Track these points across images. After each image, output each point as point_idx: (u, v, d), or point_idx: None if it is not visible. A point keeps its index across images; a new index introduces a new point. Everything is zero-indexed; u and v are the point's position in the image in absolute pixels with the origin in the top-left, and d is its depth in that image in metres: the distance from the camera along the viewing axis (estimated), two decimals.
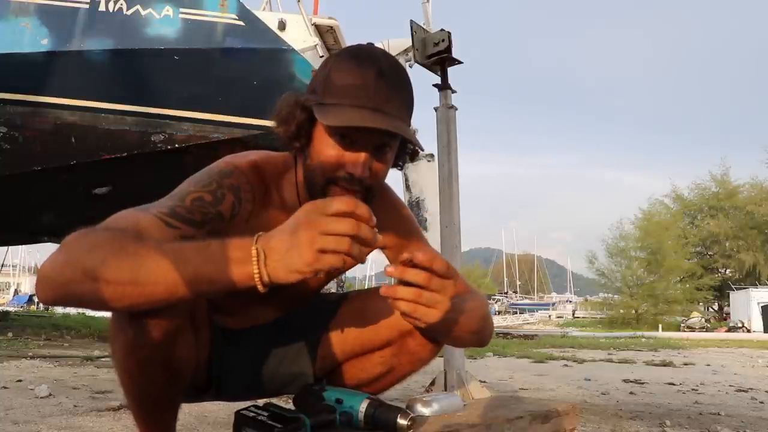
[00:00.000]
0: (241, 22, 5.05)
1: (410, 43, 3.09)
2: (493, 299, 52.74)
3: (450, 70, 3.05)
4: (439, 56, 2.98)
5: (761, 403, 3.35)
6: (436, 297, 0.87)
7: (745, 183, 28.96)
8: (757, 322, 20.20)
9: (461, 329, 1.05)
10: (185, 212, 0.93)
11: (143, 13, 5.00)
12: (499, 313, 40.63)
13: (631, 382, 4.28)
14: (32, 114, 5.03)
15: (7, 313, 11.00)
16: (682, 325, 21.78)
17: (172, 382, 1.00)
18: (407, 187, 4.61)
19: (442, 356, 2.78)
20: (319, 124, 0.98)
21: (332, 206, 0.79)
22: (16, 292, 39.32)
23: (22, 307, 25.97)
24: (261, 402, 1.00)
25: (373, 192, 1.02)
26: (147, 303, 0.82)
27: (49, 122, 5.03)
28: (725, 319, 24.27)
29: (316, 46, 5.72)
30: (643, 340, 12.23)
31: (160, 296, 0.80)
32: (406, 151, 1.08)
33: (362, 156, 0.97)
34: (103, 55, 4.99)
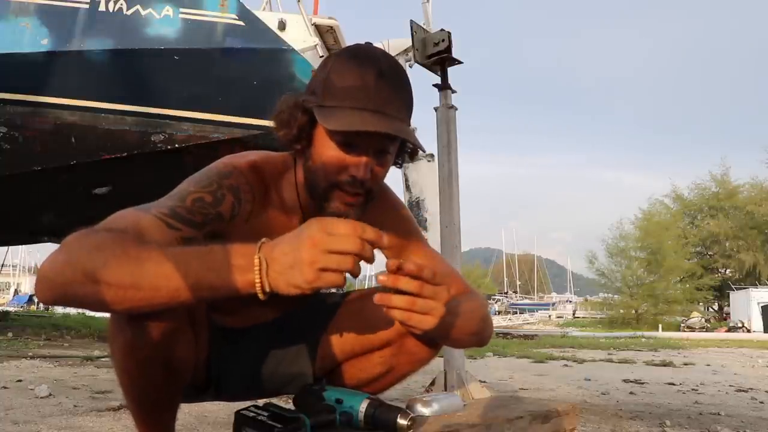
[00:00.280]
0: (241, 22, 5.05)
1: (410, 43, 3.09)
2: (493, 299, 52.73)
3: (450, 70, 3.05)
4: (439, 56, 2.98)
5: (761, 403, 3.35)
6: (430, 304, 0.87)
7: (745, 183, 29.02)
8: (757, 322, 20.20)
9: (460, 331, 1.04)
10: (186, 213, 0.93)
11: (143, 13, 5.01)
12: (499, 313, 40.62)
13: (631, 382, 4.28)
14: (32, 114, 5.03)
15: (7, 313, 11.00)
16: (682, 325, 21.77)
17: (171, 382, 1.00)
18: (407, 187, 4.61)
19: (442, 356, 2.78)
20: (320, 126, 0.97)
21: (338, 228, 0.79)
22: (16, 292, 39.32)
23: (22, 307, 25.97)
24: (261, 402, 1.00)
25: (372, 194, 1.02)
26: (147, 307, 0.82)
27: (49, 122, 5.03)
28: (725, 319, 24.27)
29: (316, 46, 5.72)
30: (643, 340, 12.23)
31: (161, 300, 0.80)
32: (406, 150, 1.08)
33: (364, 159, 0.97)
34: (103, 55, 4.99)
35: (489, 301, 46.46)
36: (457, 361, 2.75)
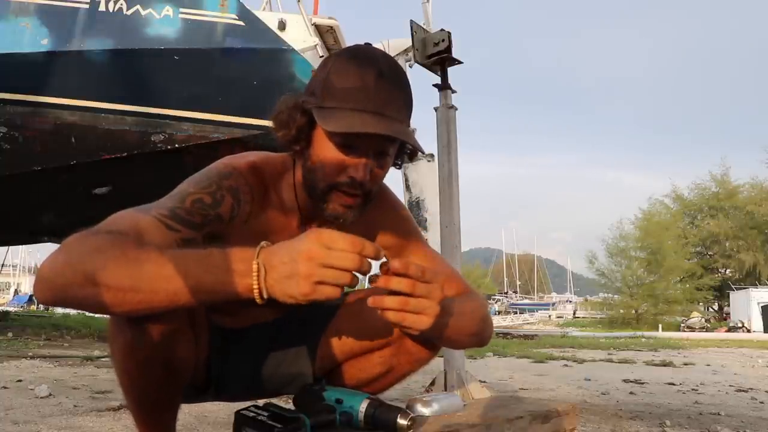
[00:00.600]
0: (241, 22, 5.06)
1: (410, 43, 3.09)
2: (493, 299, 52.72)
3: (450, 70, 3.05)
4: (439, 56, 2.98)
5: (761, 403, 3.35)
6: (423, 303, 0.87)
7: (745, 183, 28.99)
8: (757, 322, 20.19)
9: (459, 332, 1.04)
10: (185, 214, 0.93)
11: (143, 13, 5.01)
12: (499, 313, 40.61)
13: (631, 382, 4.28)
14: (32, 114, 5.03)
15: (7, 313, 11.00)
16: (682, 325, 21.76)
17: (171, 382, 1.00)
18: (407, 187, 4.61)
19: (442, 356, 2.78)
20: (319, 127, 0.97)
21: (338, 243, 0.79)
22: (16, 292, 39.31)
23: (22, 307, 25.95)
24: (261, 402, 1.00)
25: (371, 195, 1.02)
26: (147, 309, 0.82)
27: (49, 122, 5.03)
28: (725, 319, 24.26)
29: (316, 46, 5.72)
30: (643, 340, 12.22)
31: (160, 303, 0.80)
32: (405, 152, 1.08)
33: (363, 160, 0.97)
34: (103, 55, 5.00)
35: (489, 301, 46.47)
36: (457, 361, 2.75)
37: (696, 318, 22.51)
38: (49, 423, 2.02)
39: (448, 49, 2.95)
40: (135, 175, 5.25)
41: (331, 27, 6.37)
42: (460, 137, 3.00)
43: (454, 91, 3.03)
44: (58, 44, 4.99)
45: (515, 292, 70.71)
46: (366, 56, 0.99)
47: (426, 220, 4.40)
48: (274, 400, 1.05)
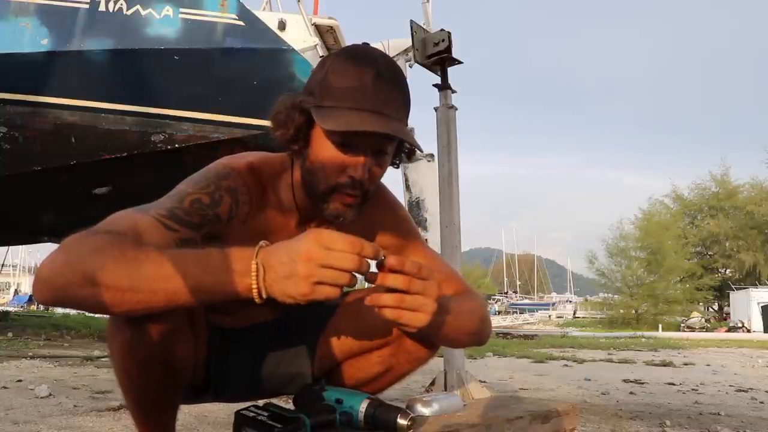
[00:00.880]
0: (241, 22, 5.06)
1: (410, 43, 3.09)
2: (493, 299, 52.74)
3: (450, 70, 3.05)
4: (439, 56, 2.98)
5: (761, 403, 3.35)
6: (420, 300, 0.87)
7: (745, 183, 28.98)
8: (757, 322, 20.18)
9: (457, 331, 1.04)
10: (184, 214, 0.93)
11: (143, 13, 5.01)
12: (499, 313, 40.63)
13: (631, 382, 4.28)
14: (32, 114, 5.03)
15: (7, 313, 11.00)
16: (682, 325, 21.75)
17: (170, 382, 1.00)
18: (407, 187, 4.61)
19: (442, 356, 2.77)
20: (318, 127, 0.97)
21: (338, 243, 0.80)
22: (16, 292, 39.30)
23: (22, 307, 25.94)
24: (261, 402, 1.00)
25: (369, 194, 1.02)
26: (145, 309, 0.82)
27: (49, 122, 5.03)
28: (725, 319, 24.25)
29: (316, 46, 5.73)
30: (643, 340, 12.22)
31: (159, 303, 0.81)
32: (404, 151, 1.08)
33: (362, 159, 0.97)
34: (103, 55, 4.99)
35: (489, 301, 46.47)
36: (457, 361, 2.75)
37: (696, 318, 22.50)
38: (49, 423, 2.02)
39: (448, 49, 2.95)
40: (135, 175, 5.25)
41: (331, 27, 6.38)
42: (460, 137, 3.00)
43: (454, 91, 3.03)
44: (58, 44, 4.99)
45: (515, 292, 70.71)
46: (364, 56, 0.99)
47: (426, 220, 4.40)
48: (274, 400, 1.05)
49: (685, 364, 6.17)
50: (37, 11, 5.03)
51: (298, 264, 0.79)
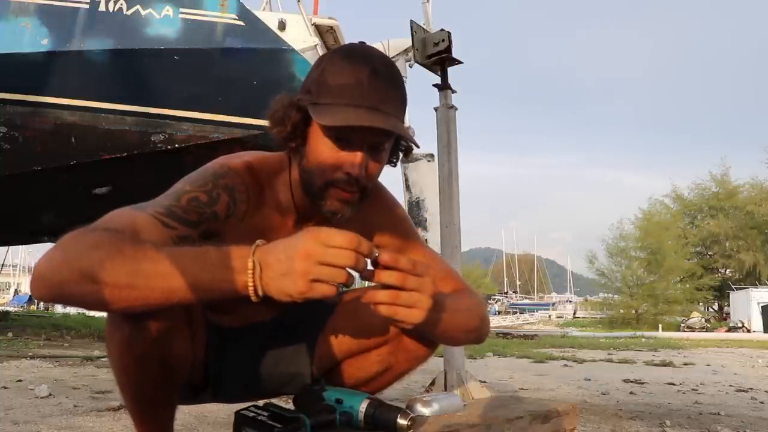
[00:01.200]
0: (241, 22, 5.06)
1: (410, 43, 3.09)
2: (493, 299, 52.75)
3: (450, 70, 3.05)
4: (439, 56, 2.98)
5: (761, 403, 3.35)
6: (415, 296, 0.87)
7: (745, 183, 28.98)
8: (757, 322, 20.18)
9: (454, 328, 1.05)
10: (181, 212, 0.94)
11: (143, 13, 5.01)
12: (499, 313, 40.63)
13: (631, 382, 4.28)
14: (32, 114, 5.03)
15: (7, 313, 11.01)
16: (682, 325, 21.76)
17: (168, 379, 1.00)
18: (407, 187, 4.61)
19: (442, 356, 2.78)
20: (315, 124, 0.98)
21: (335, 240, 0.80)
22: (16, 292, 39.32)
23: (22, 307, 25.97)
24: (261, 402, 1.00)
25: (367, 191, 1.02)
26: (142, 306, 0.82)
27: (49, 122, 5.03)
28: (725, 319, 24.25)
29: (316, 46, 5.73)
30: (643, 340, 12.22)
31: (156, 300, 0.81)
32: (400, 148, 1.08)
33: (358, 156, 0.97)
34: (103, 55, 5.00)
35: (489, 301, 46.47)
36: (457, 360, 2.75)
37: (696, 318, 22.50)
38: (49, 423, 2.02)
39: (448, 49, 2.95)
40: (135, 175, 5.25)
41: (331, 27, 6.38)
42: (460, 137, 3.00)
43: (454, 91, 3.03)
44: (58, 44, 5.00)
45: (515, 292, 70.71)
46: (360, 54, 0.99)
47: (426, 220, 4.40)
48: (274, 400, 1.05)
49: (685, 364, 6.17)
50: (37, 11, 5.04)
51: (295, 261, 0.79)
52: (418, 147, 1.07)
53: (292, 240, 0.82)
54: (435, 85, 3.05)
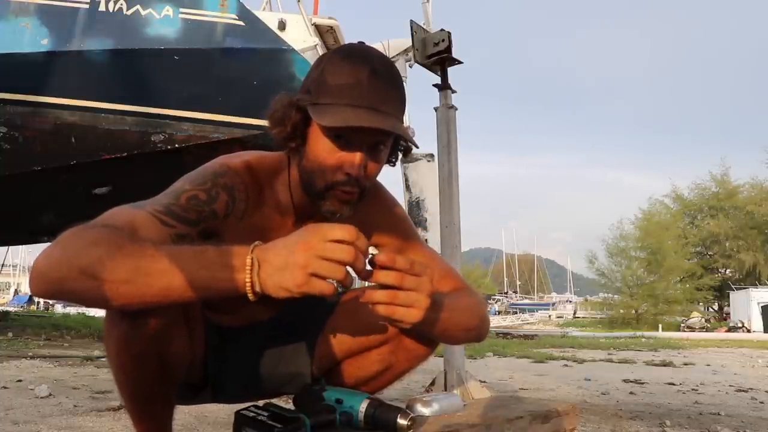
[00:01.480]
0: (241, 22, 5.06)
1: (410, 43, 3.09)
2: (493, 299, 52.74)
3: (450, 70, 3.05)
4: (439, 56, 2.98)
5: (761, 403, 3.35)
6: (412, 296, 0.87)
7: (745, 183, 28.99)
8: (757, 322, 20.18)
9: (453, 326, 1.05)
10: (180, 210, 0.94)
11: (143, 13, 5.01)
12: (499, 313, 40.62)
13: (631, 382, 4.28)
14: (32, 114, 5.03)
15: (7, 313, 11.00)
16: (682, 325, 21.76)
17: (166, 377, 1.00)
18: (407, 187, 4.61)
19: (442, 356, 2.78)
20: (314, 124, 0.98)
21: (334, 233, 0.80)
22: (16, 292, 39.33)
23: (22, 307, 25.96)
24: (261, 402, 1.00)
25: (366, 191, 1.03)
26: (141, 303, 0.82)
27: (49, 122, 5.03)
28: (725, 319, 24.25)
29: (316, 46, 5.73)
30: (643, 340, 12.22)
31: (154, 298, 0.81)
32: (399, 148, 1.08)
33: (358, 156, 0.97)
34: (103, 55, 5.00)
35: (489, 301, 46.45)
36: (457, 360, 2.75)
37: (696, 318, 22.50)
38: (49, 423, 2.02)
39: (448, 49, 2.95)
40: (135, 175, 5.25)
41: (331, 27, 6.38)
42: (460, 137, 3.00)
43: (454, 91, 3.03)
44: (58, 44, 5.00)
45: (515, 292, 70.70)
46: (360, 54, 0.99)
47: (426, 220, 4.40)
48: (274, 400, 1.05)
49: (685, 364, 6.17)
50: (37, 11, 5.04)
51: (294, 254, 0.80)
52: (417, 147, 1.07)
53: (291, 236, 0.83)
54: (435, 85, 3.05)
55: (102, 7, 5.01)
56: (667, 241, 27.43)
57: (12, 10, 5.03)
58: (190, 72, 5.05)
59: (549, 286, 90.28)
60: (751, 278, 27.28)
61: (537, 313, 43.23)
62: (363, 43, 1.06)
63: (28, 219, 6.64)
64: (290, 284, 0.80)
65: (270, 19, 5.62)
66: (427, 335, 1.10)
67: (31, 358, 4.35)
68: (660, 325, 21.94)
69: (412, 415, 0.97)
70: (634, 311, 27.30)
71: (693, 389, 3.92)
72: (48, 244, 0.84)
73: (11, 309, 17.95)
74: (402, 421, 0.95)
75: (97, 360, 4.31)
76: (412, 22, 3.01)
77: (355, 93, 0.95)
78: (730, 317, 23.35)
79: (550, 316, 41.62)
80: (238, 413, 0.95)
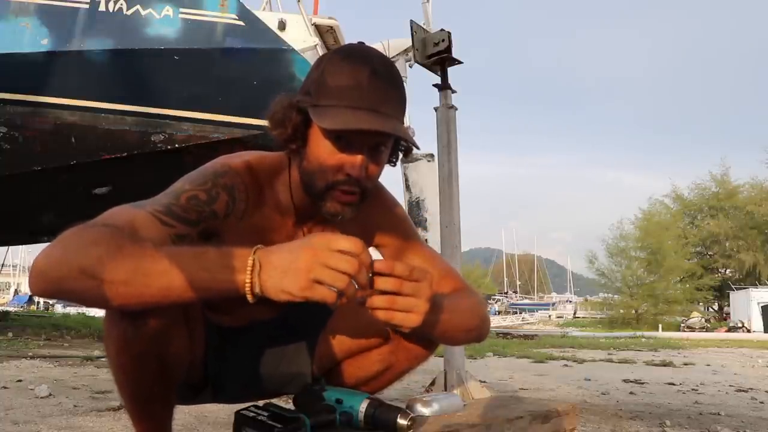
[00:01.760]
0: (241, 22, 5.06)
1: (410, 43, 3.09)
2: (493, 299, 52.73)
3: (450, 70, 3.05)
4: (439, 56, 2.98)
5: (761, 403, 3.35)
6: (411, 301, 0.88)
7: (745, 183, 28.98)
8: (757, 322, 20.18)
9: (453, 328, 1.05)
10: (180, 211, 0.94)
11: (143, 13, 5.01)
12: (499, 313, 40.61)
13: (631, 382, 4.28)
14: (32, 114, 5.03)
15: (7, 313, 11.00)
16: (682, 325, 21.75)
17: (165, 377, 1.00)
18: (407, 187, 4.61)
19: (442, 356, 2.78)
20: (315, 126, 0.98)
21: (340, 243, 0.81)
22: (16, 292, 39.32)
23: (22, 307, 25.95)
24: (261, 402, 1.00)
25: (367, 192, 1.03)
26: (140, 304, 0.83)
27: (49, 122, 5.03)
28: (725, 319, 24.25)
29: (316, 46, 5.73)
30: (643, 340, 12.22)
31: (153, 298, 0.81)
32: (400, 148, 1.09)
33: (359, 157, 0.97)
34: (103, 55, 5.00)
35: (489, 301, 46.45)
36: (457, 360, 2.75)
37: (696, 318, 22.50)
38: (49, 423, 2.02)
39: (448, 49, 2.95)
40: (135, 175, 5.25)
41: (331, 27, 6.38)
42: (460, 137, 3.00)
43: (454, 91, 3.03)
44: (58, 44, 5.00)
45: (515, 292, 70.69)
46: (360, 55, 0.99)
47: (426, 220, 4.40)
48: (274, 400, 1.05)
49: (685, 364, 6.17)
50: (37, 11, 5.04)
51: (299, 259, 0.80)
52: (418, 148, 1.07)
53: (296, 241, 0.83)
54: (435, 85, 3.05)
55: (102, 7, 5.01)
56: (667, 241, 27.43)
57: (12, 10, 5.03)
58: (190, 72, 5.05)
59: (549, 286, 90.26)
60: (751, 278, 27.28)
61: (537, 313, 43.23)
62: (363, 43, 1.06)
63: (28, 219, 6.64)
64: (292, 288, 0.80)
65: (270, 19, 5.62)
66: (427, 336, 1.10)
67: (31, 358, 4.35)
68: (660, 325, 21.94)
69: (412, 415, 0.97)
70: (634, 311, 27.30)
71: (693, 389, 3.91)
72: (48, 244, 0.84)
73: (11, 309, 17.95)
74: (402, 421, 0.95)
75: (97, 360, 4.31)
76: (412, 22, 3.01)
77: (355, 94, 0.95)
78: (730, 317, 23.35)
79: (550, 316, 41.62)
80: (238, 413, 0.95)
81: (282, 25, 5.72)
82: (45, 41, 4.99)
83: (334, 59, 0.99)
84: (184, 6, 5.03)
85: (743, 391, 3.92)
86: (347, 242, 0.81)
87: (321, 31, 6.29)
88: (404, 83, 1.05)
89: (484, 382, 3.33)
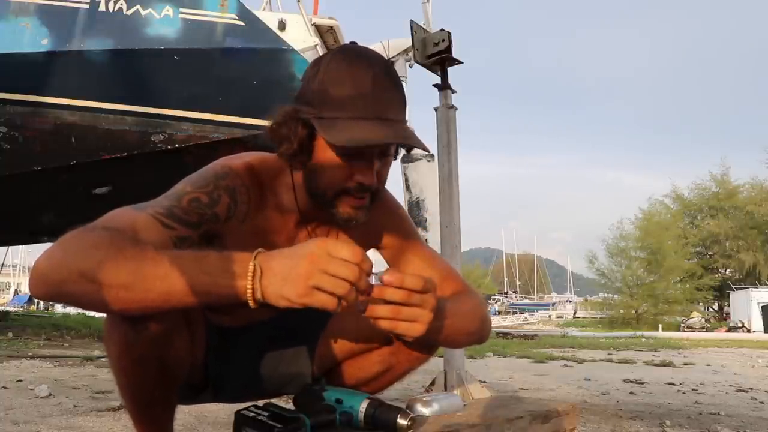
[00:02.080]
0: (241, 22, 5.06)
1: (410, 43, 3.09)
2: (493, 299, 52.71)
3: (450, 70, 3.05)
4: (439, 56, 2.98)
5: (761, 403, 3.35)
6: (416, 311, 0.87)
7: (745, 183, 28.98)
8: (757, 322, 20.17)
9: (456, 332, 1.04)
10: (182, 213, 0.93)
11: (143, 13, 5.01)
12: (499, 313, 40.59)
13: (631, 382, 4.28)
14: (32, 114, 5.03)
15: (7, 313, 11.00)
16: (682, 325, 21.75)
17: (167, 380, 1.00)
18: (407, 187, 4.62)
19: (442, 356, 2.78)
20: (320, 137, 0.96)
21: (341, 251, 0.80)
22: (16, 292, 39.31)
23: (22, 307, 25.96)
24: (261, 402, 1.00)
25: (378, 194, 1.02)
26: (140, 308, 0.82)
27: (49, 122, 5.03)
28: (725, 319, 24.25)
29: (316, 46, 5.74)
30: (643, 340, 12.22)
31: (153, 303, 0.81)
32: (403, 145, 1.08)
33: (370, 167, 0.97)
34: (103, 55, 5.00)
35: (489, 301, 46.44)
36: (457, 361, 2.75)
37: (696, 318, 22.49)
38: (49, 423, 2.02)
39: (448, 49, 2.95)
40: (135, 175, 5.25)
41: (331, 27, 6.39)
42: (460, 137, 3.00)
43: (454, 91, 3.03)
44: (58, 44, 4.99)
45: (515, 292, 70.65)
46: (357, 59, 0.97)
47: (426, 220, 4.41)
48: (274, 400, 1.05)
49: (685, 364, 6.17)
50: (37, 11, 5.03)
51: (299, 265, 0.79)
52: (428, 151, 1.07)
53: (297, 247, 0.82)
54: (435, 85, 3.05)
55: (102, 7, 5.01)
56: (667, 241, 27.43)
57: (12, 10, 5.02)
58: (190, 72, 5.05)
59: (549, 286, 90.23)
60: (751, 278, 27.27)
61: (537, 313, 43.21)
62: (355, 43, 1.04)
63: (28, 219, 6.64)
64: (291, 294, 0.79)
65: (270, 19, 5.63)
66: (430, 343, 1.09)
67: (31, 358, 4.35)
68: (660, 325, 21.93)
69: (412, 415, 0.97)
70: (634, 311, 27.30)
71: (693, 389, 3.91)
72: (48, 244, 0.84)
73: (11, 309, 17.95)
74: (402, 421, 0.95)
75: (97, 360, 4.31)
76: (412, 22, 3.01)
77: (360, 104, 0.93)
78: (730, 317, 23.34)
79: (550, 316, 41.61)
80: (238, 413, 0.95)
81: (282, 25, 5.73)
82: (45, 41, 4.99)
83: (331, 65, 0.96)
84: (184, 6, 5.03)
85: (743, 391, 3.92)
86: (348, 250, 0.80)
87: (321, 31, 6.30)
88: (404, 83, 1.05)
89: (484, 382, 3.34)
